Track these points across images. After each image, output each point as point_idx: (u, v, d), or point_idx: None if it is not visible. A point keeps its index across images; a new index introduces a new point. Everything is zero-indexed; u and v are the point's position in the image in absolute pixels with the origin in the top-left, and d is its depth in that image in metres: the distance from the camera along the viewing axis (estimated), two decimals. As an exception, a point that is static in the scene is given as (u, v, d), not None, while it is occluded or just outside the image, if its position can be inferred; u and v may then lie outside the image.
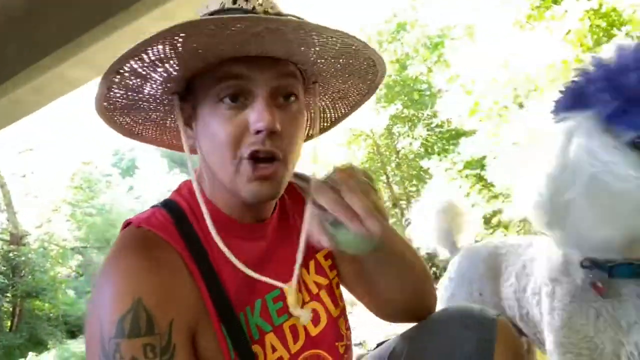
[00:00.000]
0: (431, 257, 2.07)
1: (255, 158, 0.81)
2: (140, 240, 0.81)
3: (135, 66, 0.77)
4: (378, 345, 1.13)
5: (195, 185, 0.88)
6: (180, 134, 0.90)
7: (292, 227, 0.99)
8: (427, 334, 1.00)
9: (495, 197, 7.58)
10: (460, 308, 1.04)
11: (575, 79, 0.96)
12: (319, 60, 0.87)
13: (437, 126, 10.82)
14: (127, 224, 0.86)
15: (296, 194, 1.04)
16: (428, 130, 11.22)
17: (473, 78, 6.91)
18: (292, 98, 0.84)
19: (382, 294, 1.02)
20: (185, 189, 0.93)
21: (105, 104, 0.84)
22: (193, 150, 0.93)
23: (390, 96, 11.26)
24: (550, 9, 6.25)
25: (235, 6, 0.81)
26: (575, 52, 5.61)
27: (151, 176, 21.06)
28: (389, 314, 1.06)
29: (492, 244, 1.61)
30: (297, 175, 1.03)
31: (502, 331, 0.93)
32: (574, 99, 0.93)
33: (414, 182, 11.35)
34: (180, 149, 1.00)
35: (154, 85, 0.84)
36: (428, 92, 10.88)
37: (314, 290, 0.98)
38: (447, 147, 10.36)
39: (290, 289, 0.88)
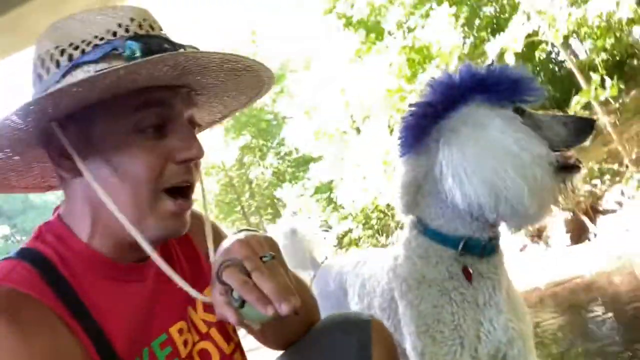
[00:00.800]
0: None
1: (176, 191, 0.73)
2: (4, 302, 0.66)
3: None
4: None
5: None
6: (51, 168, 0.77)
7: (177, 267, 0.90)
8: (311, 347, 0.99)
9: (345, 217, 8.05)
10: (336, 316, 1.05)
11: (431, 91, 1.08)
12: (214, 84, 0.81)
13: (285, 154, 11.17)
14: None
15: None
16: (278, 158, 11.52)
17: (314, 106, 7.33)
18: (196, 127, 0.79)
19: (277, 334, 1.00)
20: (48, 234, 0.77)
21: None
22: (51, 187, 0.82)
23: (239, 127, 11.31)
24: (375, 44, 7.00)
25: (129, 34, 0.70)
26: (397, 82, 6.33)
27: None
28: (281, 346, 1.03)
29: (339, 264, 1.64)
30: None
31: (377, 330, 0.97)
32: (447, 103, 1.06)
33: (269, 210, 11.47)
34: (24, 190, 0.86)
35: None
36: (275, 122, 11.21)
37: (203, 329, 0.90)
38: (297, 173, 10.74)
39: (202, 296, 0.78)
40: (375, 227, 7.79)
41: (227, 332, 0.94)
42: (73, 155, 0.72)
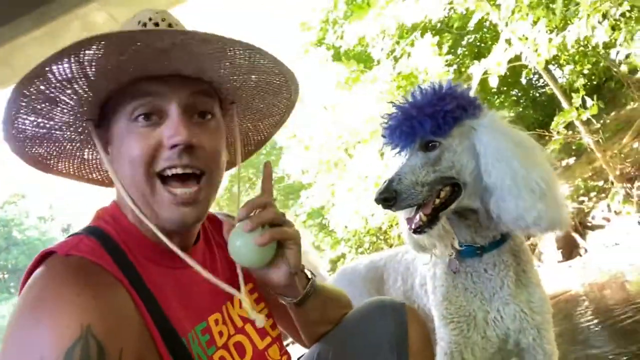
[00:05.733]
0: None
1: (171, 175, 0.78)
2: (75, 267, 0.73)
3: (42, 87, 0.72)
4: (299, 358, 1.13)
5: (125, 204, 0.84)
6: (101, 162, 0.86)
7: (217, 264, 0.97)
8: (349, 330, 1.06)
9: (338, 242, 8.07)
10: (372, 302, 1.12)
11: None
12: (231, 77, 0.86)
13: (277, 182, 11.22)
14: (48, 253, 0.75)
15: (220, 228, 1.02)
16: (269, 187, 11.55)
17: (307, 135, 7.45)
18: (209, 116, 0.84)
19: (311, 326, 1.06)
20: (106, 216, 0.86)
21: (14, 131, 0.78)
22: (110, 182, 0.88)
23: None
24: (365, 73, 7.22)
25: (139, 27, 0.81)
26: (386, 108, 6.50)
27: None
28: (314, 340, 1.09)
29: (368, 260, 1.73)
30: (228, 216, 1.03)
31: (411, 313, 1.06)
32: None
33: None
34: (99, 182, 0.96)
35: (66, 110, 0.79)
36: (264, 151, 11.31)
37: (239, 323, 0.95)
38: (286, 202, 10.79)
39: (242, 296, 0.87)
40: (369, 250, 7.82)
41: (263, 328, 0.99)
42: (98, 147, 0.83)
